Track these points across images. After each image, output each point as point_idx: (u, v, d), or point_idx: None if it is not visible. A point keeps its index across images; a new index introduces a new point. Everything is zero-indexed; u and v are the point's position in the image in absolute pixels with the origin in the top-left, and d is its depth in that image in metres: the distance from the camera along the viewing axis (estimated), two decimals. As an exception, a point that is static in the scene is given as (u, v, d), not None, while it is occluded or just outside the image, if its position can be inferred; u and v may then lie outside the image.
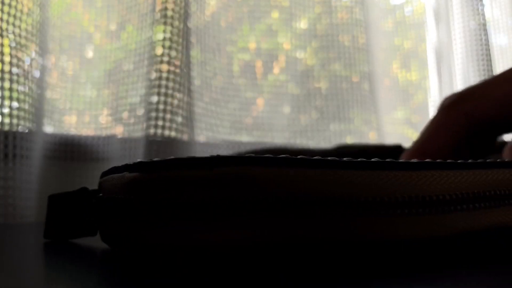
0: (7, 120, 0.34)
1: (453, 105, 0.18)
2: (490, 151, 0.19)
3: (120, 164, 0.12)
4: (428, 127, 0.18)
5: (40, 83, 0.39)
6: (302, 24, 0.53)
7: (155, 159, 0.11)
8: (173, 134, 0.39)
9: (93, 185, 0.46)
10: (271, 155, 0.10)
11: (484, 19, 0.56)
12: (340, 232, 0.09)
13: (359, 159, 0.10)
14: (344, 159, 0.10)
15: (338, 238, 0.10)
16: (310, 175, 0.09)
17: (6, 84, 0.34)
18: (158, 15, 0.40)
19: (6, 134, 0.34)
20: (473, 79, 0.56)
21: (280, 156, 0.10)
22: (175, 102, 0.40)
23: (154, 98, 0.39)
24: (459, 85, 0.56)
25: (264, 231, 0.09)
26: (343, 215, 0.09)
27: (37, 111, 0.37)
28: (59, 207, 0.13)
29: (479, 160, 0.12)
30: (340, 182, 0.09)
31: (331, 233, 0.09)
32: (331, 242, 0.10)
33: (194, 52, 0.46)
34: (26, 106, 0.35)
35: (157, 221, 0.09)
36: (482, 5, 0.56)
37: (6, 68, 0.34)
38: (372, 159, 0.10)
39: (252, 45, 0.51)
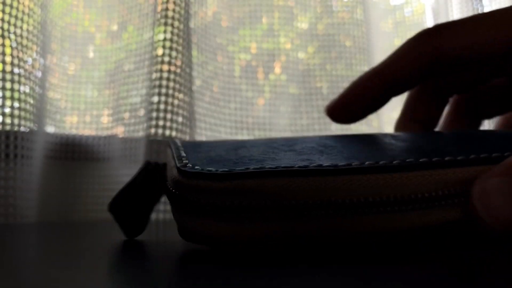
0: (8, 120, 0.34)
1: (423, 35, 0.17)
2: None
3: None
4: (394, 51, 0.18)
5: (42, 83, 0.39)
6: (303, 24, 0.53)
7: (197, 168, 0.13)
8: (174, 134, 0.39)
9: (94, 184, 0.46)
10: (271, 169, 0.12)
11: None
12: (328, 229, 0.12)
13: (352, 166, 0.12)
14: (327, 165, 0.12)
15: (327, 234, 0.12)
16: (301, 184, 0.12)
17: (8, 84, 0.34)
18: (158, 16, 0.40)
19: (7, 134, 0.34)
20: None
21: (277, 169, 0.12)
22: (176, 102, 0.40)
23: (155, 98, 0.39)
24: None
25: (268, 228, 0.12)
26: (330, 215, 0.12)
27: (38, 111, 0.38)
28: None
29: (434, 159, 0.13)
30: (323, 188, 0.12)
31: (320, 230, 0.12)
32: (321, 237, 0.12)
33: (195, 52, 0.46)
34: (27, 106, 0.35)
35: (195, 215, 0.12)
36: (482, 5, 0.56)
37: (8, 68, 0.34)
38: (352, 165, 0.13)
39: (253, 45, 0.51)
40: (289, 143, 0.15)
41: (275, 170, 0.12)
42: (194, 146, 0.16)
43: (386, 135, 0.17)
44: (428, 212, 0.12)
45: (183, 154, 0.14)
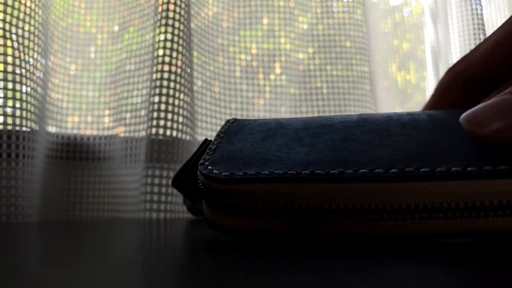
0: (10, 120, 0.34)
1: (450, 69, 0.19)
2: None
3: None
4: (433, 91, 0.20)
5: (43, 84, 0.39)
6: (303, 25, 0.53)
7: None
8: (174, 134, 0.40)
9: (95, 184, 0.46)
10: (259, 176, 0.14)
11: (482, 20, 0.56)
12: (296, 227, 0.14)
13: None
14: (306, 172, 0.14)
15: (295, 232, 0.14)
16: (276, 189, 0.14)
17: (9, 85, 0.34)
18: (159, 17, 0.41)
19: (9, 134, 0.34)
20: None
21: (261, 176, 0.14)
22: (177, 102, 0.40)
23: (156, 98, 0.39)
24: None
25: (252, 223, 0.15)
26: (300, 216, 0.14)
27: (40, 111, 0.38)
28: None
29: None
30: (298, 192, 0.14)
31: (293, 227, 0.14)
32: (288, 234, 0.15)
33: (196, 53, 0.47)
34: (29, 107, 0.35)
35: (210, 208, 0.16)
36: (480, 6, 0.57)
37: (10, 68, 0.34)
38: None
39: (254, 46, 0.51)
40: (318, 132, 0.17)
41: (257, 177, 0.14)
42: (238, 130, 0.18)
43: (402, 122, 0.16)
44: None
45: (215, 144, 0.17)
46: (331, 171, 0.14)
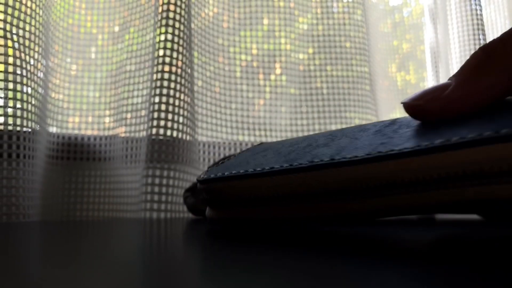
0: (11, 121, 0.34)
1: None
2: None
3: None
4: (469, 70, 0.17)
5: (44, 84, 0.39)
6: (303, 26, 0.54)
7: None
8: (175, 134, 0.40)
9: (96, 184, 0.46)
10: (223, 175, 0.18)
11: (481, 20, 0.56)
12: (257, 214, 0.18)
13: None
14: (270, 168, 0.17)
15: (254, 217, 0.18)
16: (235, 184, 0.18)
17: (10, 85, 0.34)
18: (160, 17, 0.41)
19: (10, 134, 0.34)
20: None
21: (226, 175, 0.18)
22: (177, 102, 0.40)
23: (157, 99, 0.39)
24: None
25: (225, 213, 0.19)
26: (260, 206, 0.17)
27: (41, 111, 0.38)
28: None
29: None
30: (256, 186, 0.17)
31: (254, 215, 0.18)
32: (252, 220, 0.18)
33: (196, 53, 0.47)
34: (30, 107, 0.35)
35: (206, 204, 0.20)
36: (480, 6, 0.57)
37: (10, 69, 0.34)
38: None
39: (254, 46, 0.51)
40: (303, 146, 0.19)
41: (218, 177, 0.18)
42: (253, 149, 0.22)
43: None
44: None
45: (226, 159, 0.21)
46: (283, 166, 0.17)
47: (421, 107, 0.15)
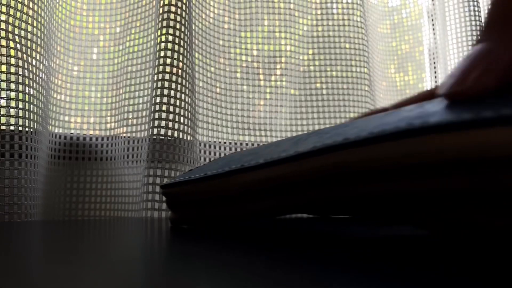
0: (13, 121, 0.34)
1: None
2: None
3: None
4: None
5: (46, 85, 0.39)
6: (304, 27, 0.54)
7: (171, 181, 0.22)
8: (176, 134, 0.40)
9: (98, 184, 0.46)
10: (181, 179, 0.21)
11: (480, 21, 0.57)
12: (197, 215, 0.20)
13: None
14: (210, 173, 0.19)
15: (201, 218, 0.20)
16: (188, 188, 0.20)
17: (13, 86, 0.34)
18: (161, 18, 0.41)
19: (12, 135, 0.34)
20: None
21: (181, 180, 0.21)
22: (178, 103, 0.40)
23: (158, 99, 0.40)
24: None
25: (184, 213, 0.21)
26: (213, 204, 0.20)
27: (43, 112, 0.38)
28: None
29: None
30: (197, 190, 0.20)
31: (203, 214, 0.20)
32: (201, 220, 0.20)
33: (197, 55, 0.47)
34: (32, 108, 0.36)
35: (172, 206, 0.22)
36: (478, 7, 0.57)
37: (13, 70, 0.35)
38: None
39: (254, 47, 0.52)
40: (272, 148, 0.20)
41: (170, 183, 0.21)
42: (225, 157, 0.24)
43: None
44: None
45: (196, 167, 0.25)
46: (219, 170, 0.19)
47: (471, 89, 0.12)
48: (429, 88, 0.59)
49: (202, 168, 0.22)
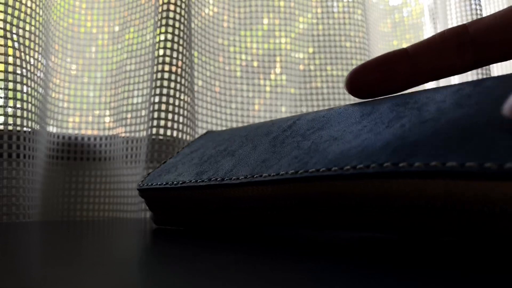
0: (11, 120, 0.34)
1: (448, 29, 0.18)
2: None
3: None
4: (426, 39, 0.18)
5: (44, 84, 0.39)
6: (303, 25, 0.54)
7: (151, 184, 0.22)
8: (175, 134, 0.40)
9: (96, 184, 0.46)
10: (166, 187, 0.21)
11: (481, 20, 0.56)
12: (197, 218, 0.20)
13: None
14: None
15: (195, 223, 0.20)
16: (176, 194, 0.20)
17: (10, 85, 0.34)
18: (160, 17, 0.41)
19: (10, 134, 0.34)
20: (470, 79, 0.56)
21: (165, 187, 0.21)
22: (177, 102, 0.40)
23: (157, 99, 0.39)
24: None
25: (162, 215, 0.21)
26: (194, 211, 0.20)
27: (41, 111, 0.38)
28: None
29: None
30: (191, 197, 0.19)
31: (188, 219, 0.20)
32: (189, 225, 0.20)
33: (196, 53, 0.47)
34: (30, 107, 0.35)
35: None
36: (480, 6, 0.57)
37: (10, 69, 0.34)
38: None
39: (254, 46, 0.51)
40: (226, 151, 0.21)
41: (145, 188, 0.21)
42: (198, 141, 0.24)
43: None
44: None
45: (169, 158, 0.24)
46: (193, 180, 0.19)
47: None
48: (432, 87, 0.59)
49: (176, 165, 0.22)
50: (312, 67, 0.53)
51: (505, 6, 0.66)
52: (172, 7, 0.41)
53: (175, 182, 0.20)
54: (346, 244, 0.14)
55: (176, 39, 0.40)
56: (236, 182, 0.17)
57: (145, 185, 0.21)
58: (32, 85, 0.36)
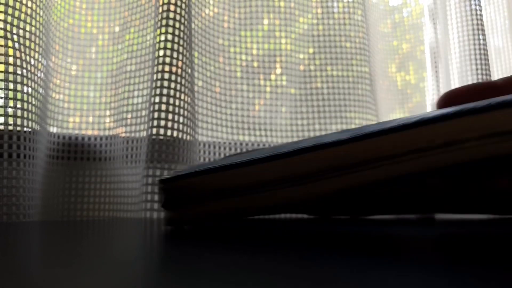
0: (11, 121, 0.34)
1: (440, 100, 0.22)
2: None
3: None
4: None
5: (44, 84, 0.39)
6: (304, 26, 0.54)
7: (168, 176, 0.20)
8: (175, 134, 0.40)
9: (96, 184, 0.46)
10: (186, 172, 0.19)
11: (481, 20, 0.56)
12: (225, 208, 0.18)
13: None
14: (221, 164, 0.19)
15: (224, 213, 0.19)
16: (200, 180, 0.19)
17: (11, 85, 0.34)
18: (160, 17, 0.41)
19: (10, 134, 0.34)
20: (470, 80, 0.56)
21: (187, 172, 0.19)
22: (178, 102, 0.40)
23: (157, 99, 0.39)
24: (457, 86, 0.57)
25: (188, 211, 0.19)
26: (225, 198, 0.18)
27: (41, 111, 0.38)
28: None
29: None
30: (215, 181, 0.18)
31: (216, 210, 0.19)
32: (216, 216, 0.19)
33: (197, 54, 0.47)
34: (30, 107, 0.35)
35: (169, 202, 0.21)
36: (480, 6, 0.57)
37: (11, 69, 0.34)
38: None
39: (254, 46, 0.51)
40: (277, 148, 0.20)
41: (173, 176, 0.20)
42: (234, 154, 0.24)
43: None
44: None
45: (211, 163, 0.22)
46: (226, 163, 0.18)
47: None
48: (433, 87, 0.59)
49: (204, 164, 0.21)
50: (312, 68, 0.53)
51: (505, 6, 0.66)
52: (172, 8, 0.41)
53: (215, 166, 0.18)
54: (350, 242, 0.14)
55: (176, 39, 0.40)
56: (300, 147, 0.17)
57: (172, 176, 0.20)
58: (33, 86, 0.36)
